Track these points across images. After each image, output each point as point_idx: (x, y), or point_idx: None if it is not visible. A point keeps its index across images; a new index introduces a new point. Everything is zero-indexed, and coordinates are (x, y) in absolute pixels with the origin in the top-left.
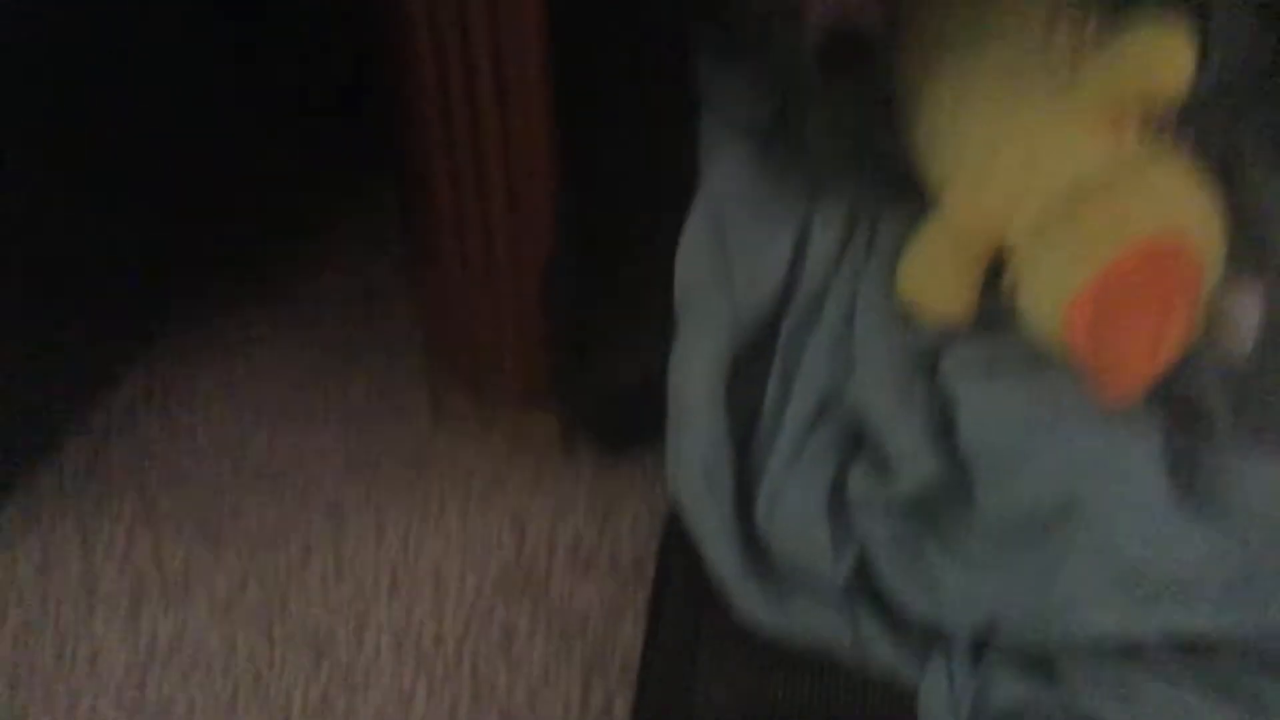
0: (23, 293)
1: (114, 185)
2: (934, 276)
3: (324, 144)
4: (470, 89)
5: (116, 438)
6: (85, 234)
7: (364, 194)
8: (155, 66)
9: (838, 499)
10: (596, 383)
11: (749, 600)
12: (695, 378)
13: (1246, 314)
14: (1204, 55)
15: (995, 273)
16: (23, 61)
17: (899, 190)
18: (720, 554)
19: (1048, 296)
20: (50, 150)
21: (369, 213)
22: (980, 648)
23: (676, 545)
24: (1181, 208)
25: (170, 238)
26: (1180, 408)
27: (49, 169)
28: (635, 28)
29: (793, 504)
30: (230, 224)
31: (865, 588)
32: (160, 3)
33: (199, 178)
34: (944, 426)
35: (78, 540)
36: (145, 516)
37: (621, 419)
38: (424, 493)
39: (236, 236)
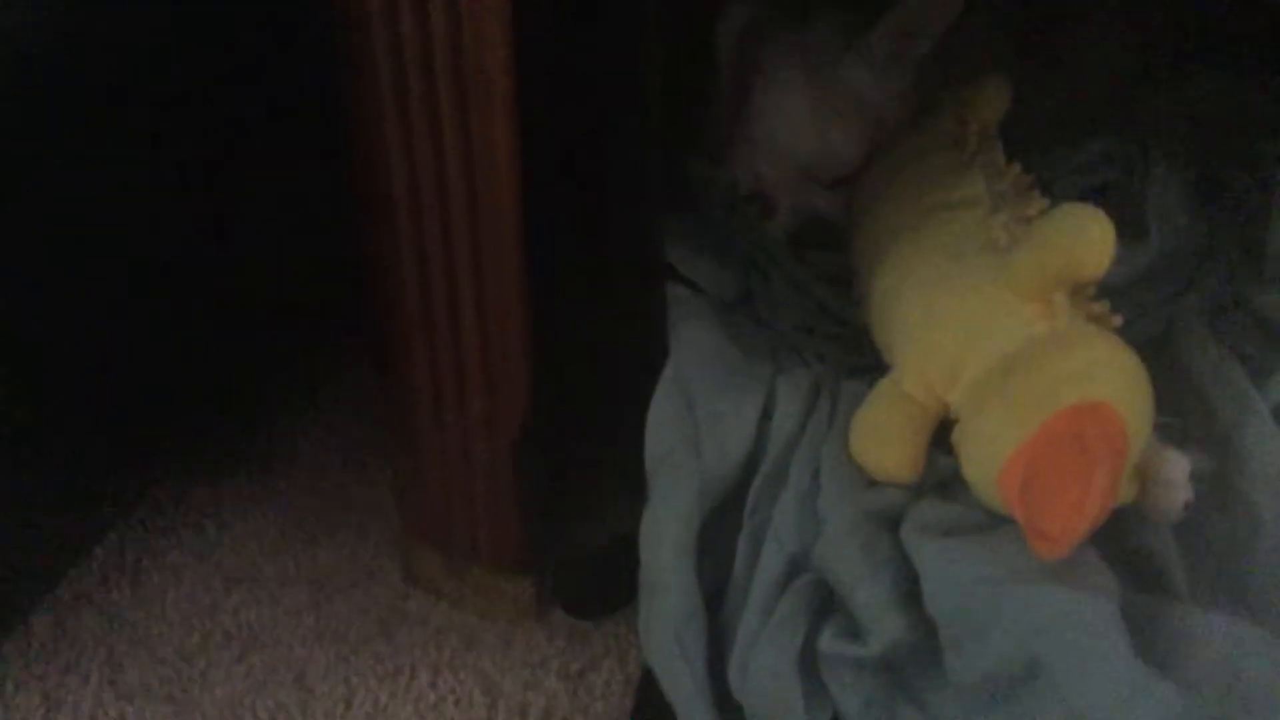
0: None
1: (85, 355)
2: (883, 441)
3: (300, 314)
4: (449, 267)
5: (85, 605)
6: (55, 402)
7: (339, 363)
8: (132, 233)
9: (810, 659)
10: (568, 548)
11: None
12: (666, 542)
13: (1178, 477)
14: (1143, 234)
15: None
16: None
17: (858, 360)
18: (694, 716)
19: (984, 463)
20: (19, 314)
21: (344, 382)
22: None
23: (650, 708)
24: (1106, 378)
25: (143, 406)
26: (1136, 565)
27: (18, 334)
28: (608, 208)
29: (765, 665)
30: (203, 392)
31: None
32: (136, 169)
33: (174, 345)
34: (911, 586)
35: (42, 708)
36: (112, 683)
37: (594, 584)
38: (394, 658)
39: (210, 404)
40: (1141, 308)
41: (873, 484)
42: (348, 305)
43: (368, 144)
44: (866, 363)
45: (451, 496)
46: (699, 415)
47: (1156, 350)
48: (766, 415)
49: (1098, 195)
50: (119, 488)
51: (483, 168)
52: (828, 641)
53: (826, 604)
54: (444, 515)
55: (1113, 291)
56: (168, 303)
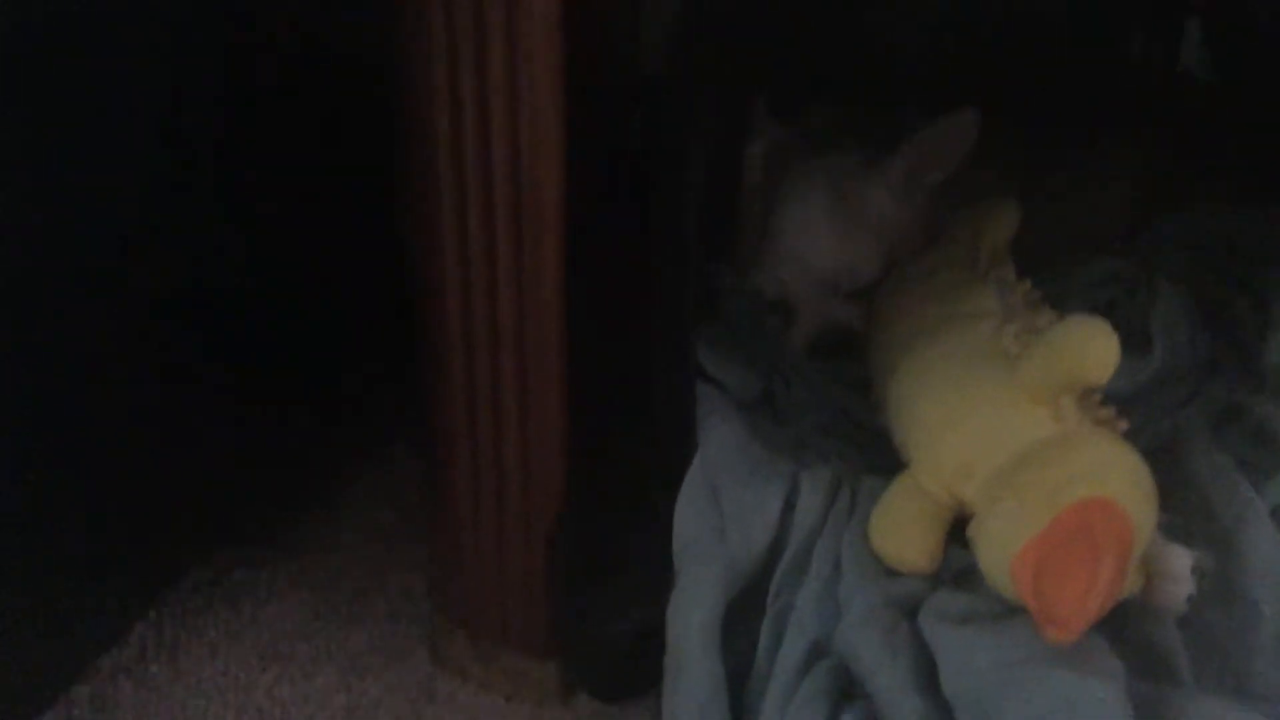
0: (34, 539)
1: (130, 438)
2: (901, 533)
3: (340, 402)
4: (495, 367)
5: (124, 678)
6: (100, 481)
7: (374, 450)
8: (177, 322)
9: None
10: (596, 633)
11: None
12: (692, 626)
13: (1180, 571)
14: (1147, 347)
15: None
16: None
17: (876, 455)
18: None
19: (997, 554)
20: (54, 395)
21: (378, 468)
22: None
23: None
24: (1111, 476)
25: (184, 489)
26: (1141, 654)
27: (66, 415)
28: (645, 314)
29: None
30: (243, 475)
31: None
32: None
33: (215, 430)
34: (929, 671)
35: None
36: None
37: (620, 669)
38: None
39: (249, 487)
40: (1146, 416)
41: (892, 573)
42: (387, 393)
43: (428, 249)
44: (884, 461)
45: (484, 581)
46: (725, 506)
47: (1161, 455)
48: (789, 507)
49: (1103, 311)
50: (160, 566)
51: (531, 277)
52: None
53: (847, 688)
54: (475, 599)
55: (1119, 400)
56: (212, 389)
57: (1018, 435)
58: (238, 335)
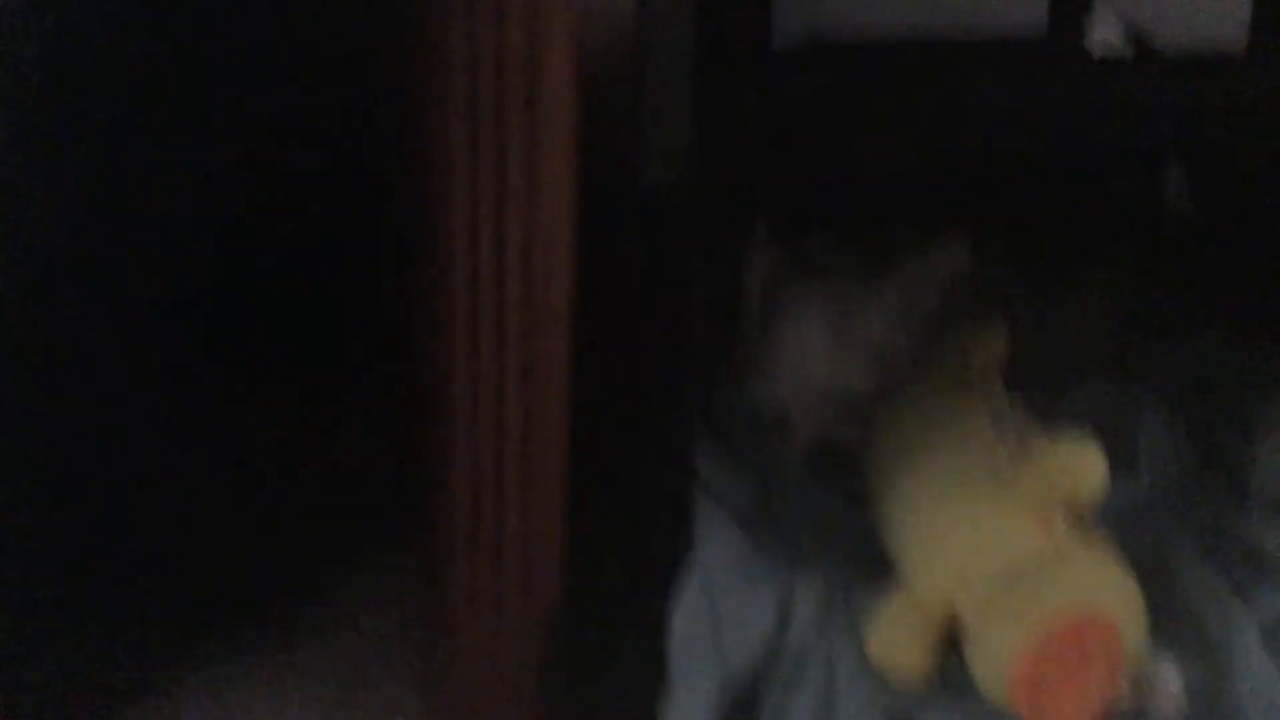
0: (21, 631)
1: (119, 536)
2: (897, 641)
3: (334, 508)
4: (498, 474)
5: None
6: (89, 577)
7: (368, 556)
8: (166, 416)
9: None
10: None
11: None
12: None
13: (1171, 684)
14: (1134, 469)
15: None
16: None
17: (871, 566)
18: None
19: (992, 663)
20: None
21: (373, 574)
22: None
23: None
24: (1101, 588)
25: (172, 589)
26: None
27: (41, 508)
28: (644, 429)
29: None
30: (233, 578)
31: None
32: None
33: (205, 531)
34: None
35: None
36: None
37: None
38: None
39: (239, 590)
40: (1135, 533)
41: (888, 684)
42: (381, 499)
43: (437, 346)
44: (880, 573)
45: (479, 680)
46: (720, 615)
47: (1150, 571)
48: (785, 615)
49: (1091, 432)
50: (145, 670)
51: (539, 377)
52: None
53: None
54: (470, 699)
55: (1109, 516)
56: (202, 480)
57: (1010, 549)
58: (230, 423)
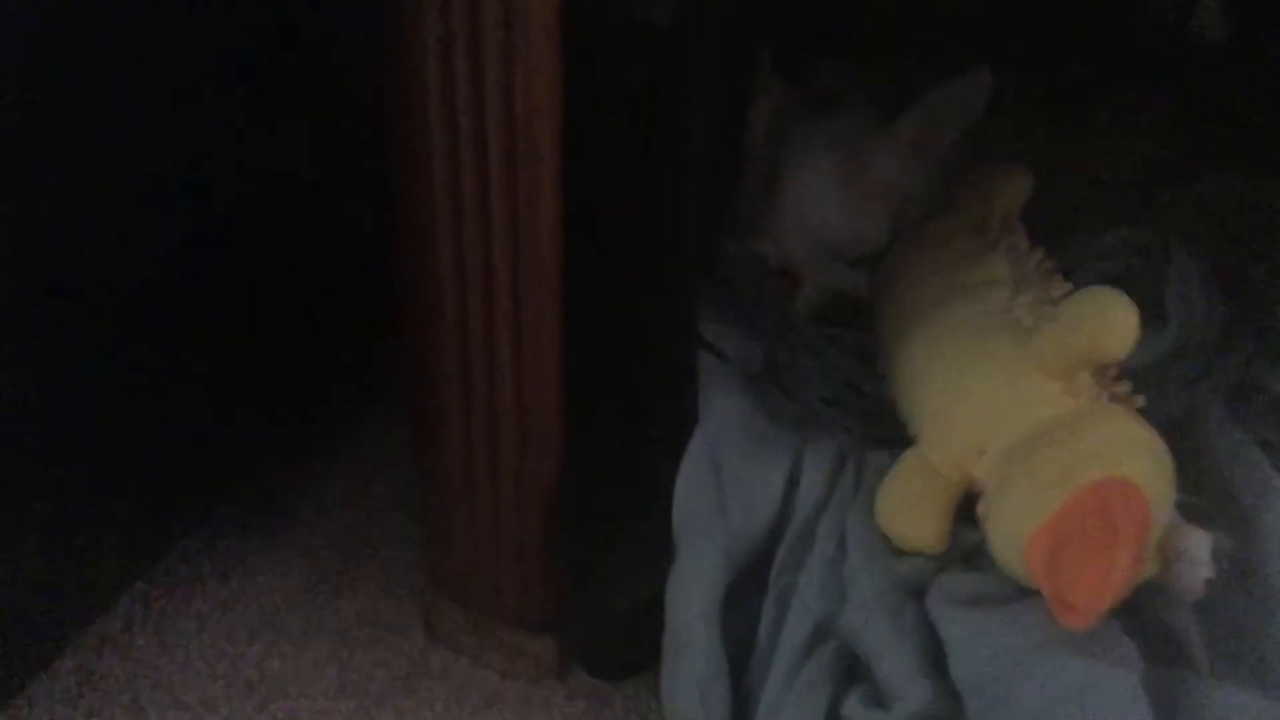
0: (14, 509)
1: (116, 407)
2: (909, 510)
3: (329, 372)
4: (488, 331)
5: (110, 652)
6: (83, 452)
7: (364, 420)
8: (161, 291)
9: None
10: (594, 609)
11: None
12: (692, 604)
13: (1199, 554)
14: (1162, 319)
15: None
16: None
17: (882, 428)
18: None
19: (1009, 535)
20: (48, 372)
21: (369, 439)
22: None
23: None
24: (1128, 454)
25: (170, 458)
26: (1157, 640)
27: (48, 382)
28: (642, 280)
29: None
30: (230, 446)
31: None
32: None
33: (204, 400)
34: (936, 655)
35: None
36: None
37: (618, 646)
38: (415, 712)
39: (237, 458)
40: (1162, 391)
41: (899, 553)
42: (376, 362)
43: (417, 194)
44: (891, 435)
45: (478, 554)
46: (726, 480)
47: (1177, 432)
48: (793, 482)
49: (1117, 281)
50: (145, 537)
51: (527, 238)
52: (852, 708)
53: (851, 671)
54: (470, 572)
55: (1134, 374)
56: (200, 358)
57: (1031, 411)
58: (222, 300)
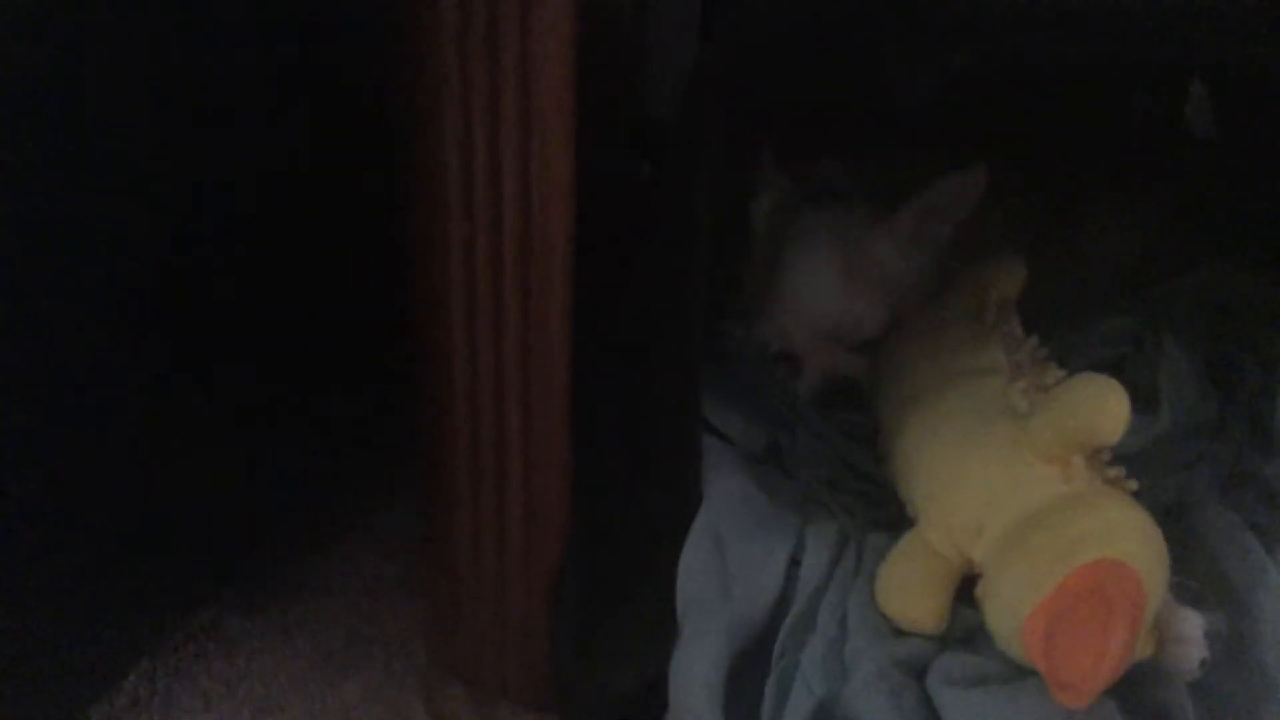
0: (21, 585)
1: (118, 482)
2: (909, 591)
3: (337, 452)
4: (498, 411)
5: None
6: (93, 530)
7: (370, 501)
8: (173, 365)
9: None
10: (598, 688)
11: None
12: (696, 683)
13: (1193, 635)
14: (1155, 407)
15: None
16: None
17: (882, 510)
18: None
19: (1007, 615)
20: (46, 434)
21: (375, 519)
22: None
23: None
24: (1123, 536)
25: (178, 537)
26: (1153, 718)
27: (51, 465)
28: (647, 365)
29: None
30: (238, 525)
31: None
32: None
33: (212, 478)
34: None
35: None
36: None
37: None
38: None
39: (244, 537)
40: (1155, 476)
41: (899, 633)
42: (385, 443)
43: (432, 289)
44: (891, 517)
45: (483, 632)
46: (730, 560)
47: (1171, 516)
48: (795, 562)
49: (1110, 369)
50: (153, 616)
51: (537, 325)
52: None
53: None
54: (474, 651)
55: (1128, 459)
56: (207, 435)
57: (1027, 494)
58: (234, 375)
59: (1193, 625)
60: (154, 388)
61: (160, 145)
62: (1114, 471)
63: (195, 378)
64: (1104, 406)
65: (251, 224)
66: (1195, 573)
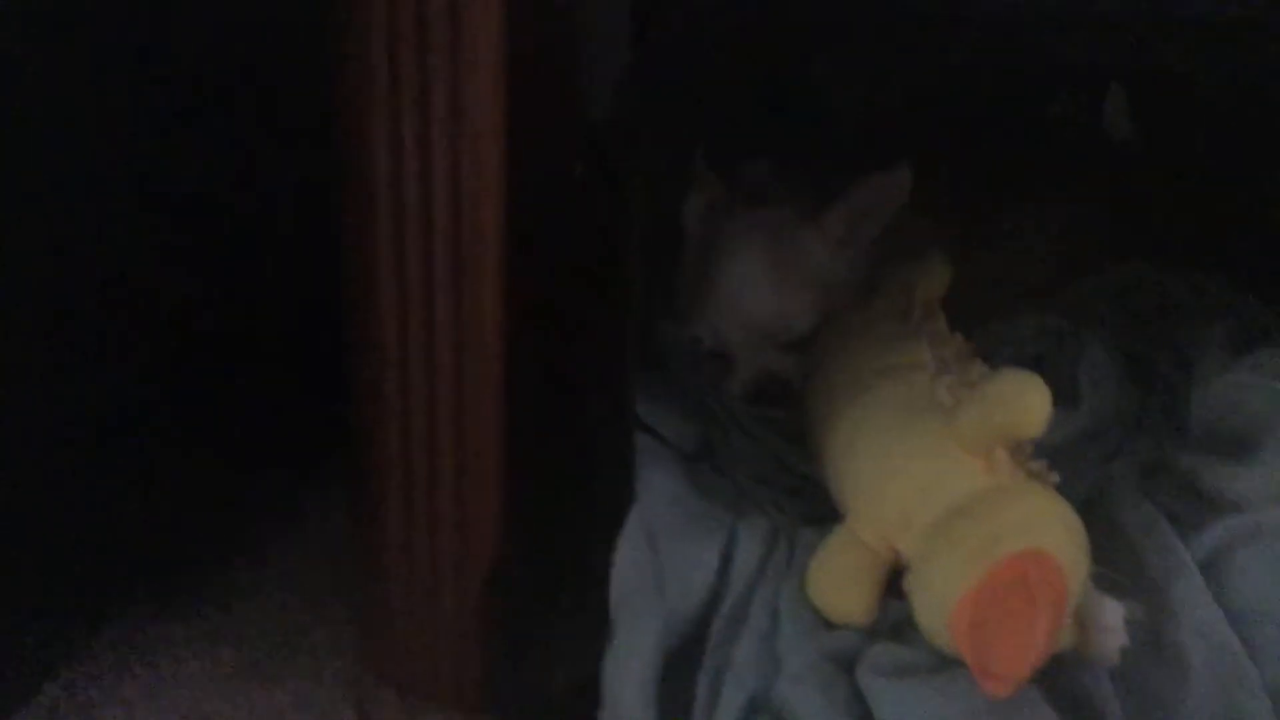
0: None
1: (35, 486)
2: (839, 584)
3: (263, 452)
4: (430, 411)
5: None
6: (5, 536)
7: (298, 503)
8: (97, 370)
9: None
10: (530, 690)
11: None
12: (629, 679)
13: (1113, 623)
14: (1075, 401)
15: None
16: None
17: (813, 506)
18: None
19: (934, 607)
20: None
21: (304, 521)
22: None
23: None
24: (1045, 528)
25: (99, 542)
26: (1075, 707)
27: None
28: (581, 364)
29: None
30: (160, 530)
31: None
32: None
33: (136, 482)
34: None
35: None
36: None
37: None
38: None
39: (166, 541)
40: (1076, 468)
41: (830, 626)
42: (317, 443)
43: (363, 289)
44: (822, 512)
45: (415, 634)
46: (662, 558)
47: (1091, 508)
48: (727, 558)
49: (1032, 364)
50: (72, 624)
51: (470, 321)
52: None
53: None
54: (406, 654)
55: (1049, 452)
56: (128, 437)
57: (953, 487)
58: (152, 379)
59: (1113, 614)
60: (65, 390)
61: (76, 146)
62: (1036, 464)
63: (108, 377)
64: (1026, 401)
65: (159, 220)
66: (1115, 562)
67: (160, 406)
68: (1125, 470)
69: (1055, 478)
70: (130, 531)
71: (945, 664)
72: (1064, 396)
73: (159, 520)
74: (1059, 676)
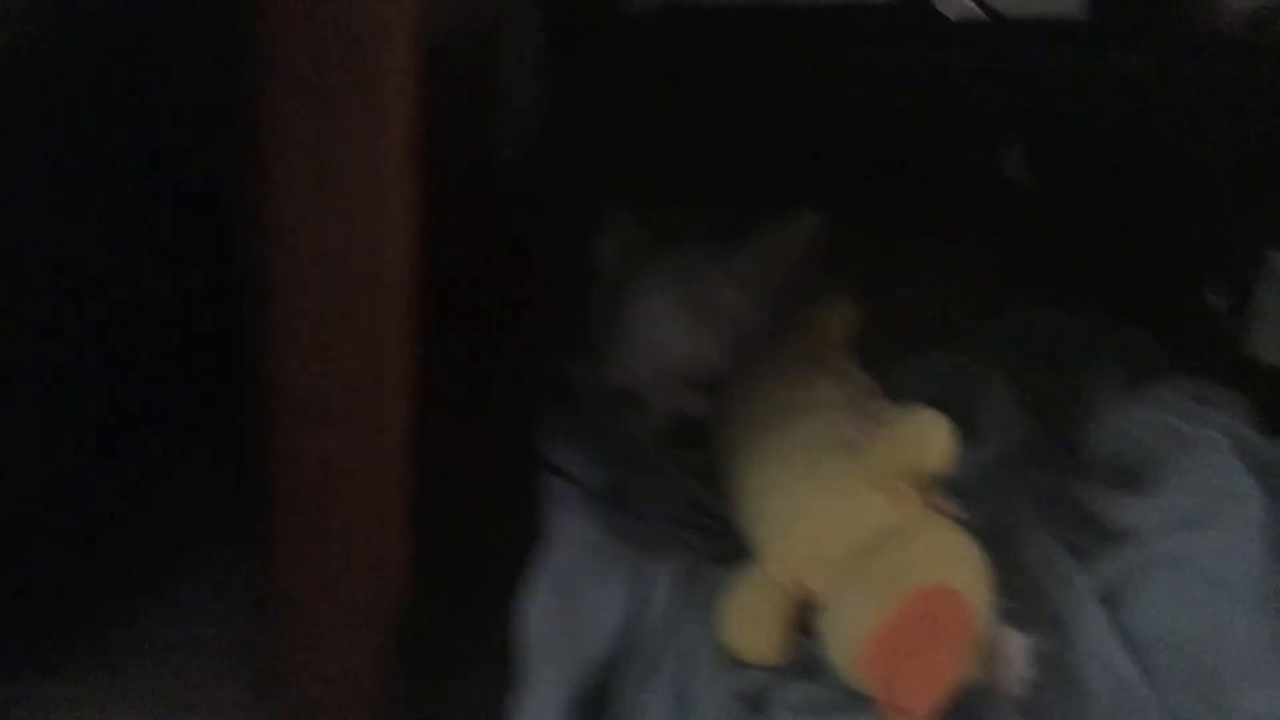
0: None
1: None
2: (749, 623)
3: (164, 504)
4: (339, 453)
5: None
6: None
7: (198, 560)
8: None
9: None
10: None
11: None
12: None
13: (1017, 655)
14: (979, 437)
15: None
16: None
17: (725, 546)
18: None
19: (844, 643)
20: None
21: (203, 578)
22: None
23: None
24: (952, 562)
25: None
26: None
27: None
28: (488, 405)
29: None
30: (54, 588)
31: None
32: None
33: (30, 538)
34: None
35: None
36: None
37: None
38: None
39: (60, 599)
40: (979, 502)
41: (741, 665)
42: (211, 496)
43: (268, 330)
44: (732, 551)
45: (319, 687)
46: (571, 602)
47: (994, 541)
48: (639, 600)
49: (936, 402)
50: None
51: (377, 366)
52: None
53: None
54: (310, 706)
55: (954, 487)
56: (17, 489)
57: (860, 523)
58: (44, 430)
59: (1017, 645)
60: None
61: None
62: (941, 500)
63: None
64: (931, 438)
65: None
66: (1017, 594)
67: (51, 457)
68: (1026, 504)
69: (960, 512)
70: (18, 591)
71: (856, 700)
72: (968, 433)
73: (49, 579)
74: (966, 709)
